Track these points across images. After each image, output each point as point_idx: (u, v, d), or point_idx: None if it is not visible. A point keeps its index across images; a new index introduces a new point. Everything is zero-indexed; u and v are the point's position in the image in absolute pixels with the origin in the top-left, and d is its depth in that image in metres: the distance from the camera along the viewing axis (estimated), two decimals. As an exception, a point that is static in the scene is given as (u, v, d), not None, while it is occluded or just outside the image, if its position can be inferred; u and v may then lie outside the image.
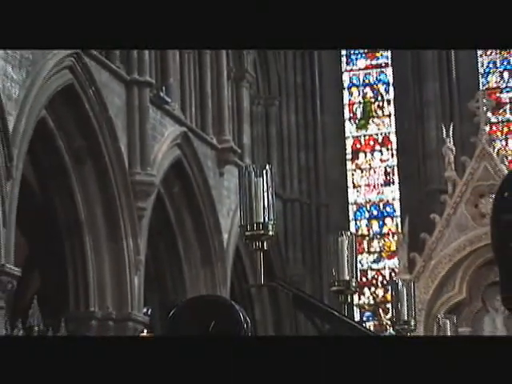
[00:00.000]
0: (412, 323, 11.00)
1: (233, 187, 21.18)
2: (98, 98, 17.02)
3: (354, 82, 25.78)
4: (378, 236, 25.09)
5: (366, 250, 24.67)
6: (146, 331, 17.93)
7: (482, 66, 24.87)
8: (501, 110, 24.44)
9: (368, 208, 25.24)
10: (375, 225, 25.16)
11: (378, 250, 24.98)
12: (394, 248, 24.10)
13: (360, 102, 25.65)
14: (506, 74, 24.84)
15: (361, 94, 25.74)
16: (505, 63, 24.88)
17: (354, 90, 25.76)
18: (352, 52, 25.73)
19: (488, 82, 24.74)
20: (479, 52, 24.79)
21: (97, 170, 17.24)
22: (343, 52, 25.72)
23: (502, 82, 24.85)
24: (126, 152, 17.61)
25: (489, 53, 24.84)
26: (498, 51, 24.74)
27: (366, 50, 25.59)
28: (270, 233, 6.46)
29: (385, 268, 24.64)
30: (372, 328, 21.94)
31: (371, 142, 25.46)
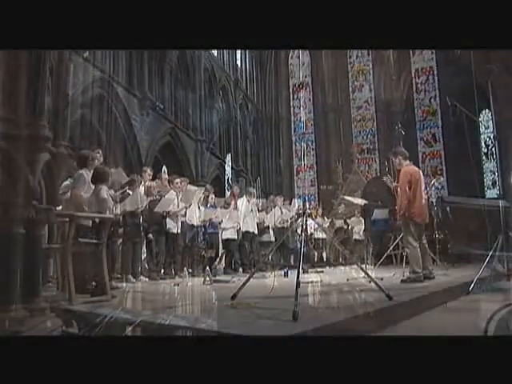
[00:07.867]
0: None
1: (243, 188, 20.84)
2: (182, 148, 16.57)
3: (298, 140, 25.28)
4: (308, 210, 24.59)
5: (303, 215, 24.17)
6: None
7: (354, 132, 24.34)
8: (363, 153, 23.95)
9: (303, 197, 24.77)
10: (306, 204, 24.68)
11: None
12: (315, 214, 23.63)
13: (300, 150, 25.16)
14: (365, 137, 24.32)
15: (300, 146, 25.24)
16: (365, 131, 24.34)
17: (297, 144, 25.27)
18: (297, 126, 25.24)
19: (357, 140, 24.20)
20: (353, 126, 24.30)
21: (181, 180, 16.80)
22: (292, 127, 25.24)
23: (364, 140, 24.34)
24: (194, 172, 17.13)
25: (358, 126, 24.34)
26: (361, 124, 24.25)
27: (304, 129, 25.10)
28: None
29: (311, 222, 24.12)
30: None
31: (305, 168, 24.98)
